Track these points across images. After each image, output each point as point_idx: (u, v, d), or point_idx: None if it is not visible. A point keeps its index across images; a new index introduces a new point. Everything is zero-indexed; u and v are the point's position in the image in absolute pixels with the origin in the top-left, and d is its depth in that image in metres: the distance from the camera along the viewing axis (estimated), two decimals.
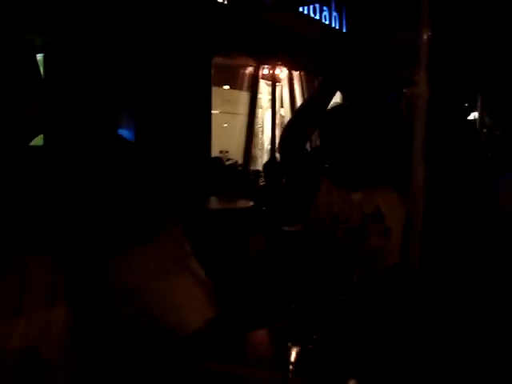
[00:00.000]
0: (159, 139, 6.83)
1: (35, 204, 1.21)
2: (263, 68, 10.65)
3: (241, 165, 9.10)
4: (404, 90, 1.69)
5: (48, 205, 1.22)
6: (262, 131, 11.14)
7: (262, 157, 10.76)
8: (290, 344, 1.30)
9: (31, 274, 1.18)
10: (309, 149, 2.39)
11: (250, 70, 10.57)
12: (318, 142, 2.21)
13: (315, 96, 2.12)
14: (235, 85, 10.47)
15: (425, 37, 1.60)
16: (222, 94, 9.99)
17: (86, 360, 1.44)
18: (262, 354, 1.56)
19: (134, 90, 6.72)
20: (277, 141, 11.04)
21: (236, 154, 9.70)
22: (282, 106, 11.22)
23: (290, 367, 1.31)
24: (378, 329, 1.62)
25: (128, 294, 1.44)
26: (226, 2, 8.62)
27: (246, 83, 10.58)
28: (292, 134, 2.09)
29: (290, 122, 2.23)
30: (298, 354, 1.29)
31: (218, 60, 8.91)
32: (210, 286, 1.54)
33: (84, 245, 1.26)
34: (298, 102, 10.98)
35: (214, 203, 5.73)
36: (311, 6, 10.66)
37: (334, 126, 2.10)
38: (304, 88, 11.06)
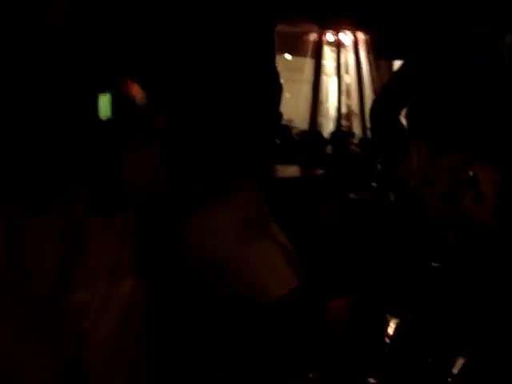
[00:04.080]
0: (222, 108, 6.75)
1: (102, 168, 1.11)
2: (327, 33, 10.42)
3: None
4: None
5: (113, 168, 1.12)
6: (327, 99, 10.94)
7: (328, 125, 10.58)
8: (388, 316, 1.18)
9: (91, 239, 1.08)
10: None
11: (313, 36, 10.35)
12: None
13: (412, 60, 2.03)
14: (299, 52, 10.29)
15: None
16: (285, 61, 9.83)
17: (161, 334, 1.36)
18: (350, 324, 1.46)
19: (196, 60, 6.64)
20: (343, 108, 10.85)
21: (301, 122, 9.56)
22: (347, 73, 10.97)
23: (388, 340, 1.19)
24: (479, 297, 1.49)
25: (205, 260, 1.36)
26: None
27: (309, 50, 10.39)
28: (387, 99, 2.01)
29: (385, 86, 2.19)
30: (397, 325, 1.17)
31: (280, 27, 8.74)
32: (293, 253, 1.43)
33: (156, 206, 1.16)
34: (364, 68, 10.70)
35: (281, 171, 5.63)
36: None
37: (437, 85, 2.00)
38: (370, 53, 10.75)
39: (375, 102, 2.14)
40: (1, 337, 1.02)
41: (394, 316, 1.19)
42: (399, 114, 2.03)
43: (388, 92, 2.10)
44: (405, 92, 2.02)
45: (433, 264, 1.56)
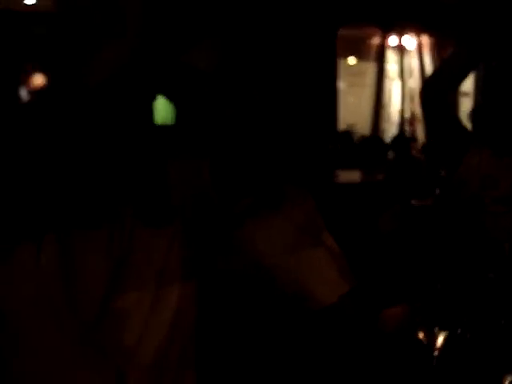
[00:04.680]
0: (281, 111, 6.76)
1: (151, 180, 1.13)
2: (390, 37, 10.28)
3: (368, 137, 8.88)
4: None
5: (162, 180, 1.14)
6: (390, 103, 10.79)
7: (390, 130, 10.43)
8: (437, 328, 1.16)
9: (139, 249, 1.09)
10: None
11: (376, 39, 10.24)
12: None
13: (455, 54, 2.09)
14: (361, 56, 10.20)
15: None
16: (348, 66, 9.76)
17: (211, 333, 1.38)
18: (399, 333, 1.44)
19: (259, 65, 6.67)
20: (406, 113, 10.68)
21: (363, 127, 9.46)
22: (410, 77, 10.79)
23: (436, 353, 1.17)
24: None
25: (256, 265, 1.38)
26: None
27: (372, 54, 10.28)
28: (436, 82, 2.10)
29: (435, 70, 2.34)
30: (446, 338, 1.15)
31: (342, 31, 8.68)
32: (344, 260, 1.43)
33: (204, 217, 1.17)
34: (429, 71, 10.50)
35: (342, 176, 5.60)
36: None
37: (499, 85, 2.01)
38: (435, 56, 10.54)
39: (425, 83, 2.27)
40: (53, 350, 1.05)
41: (444, 328, 1.17)
42: (447, 96, 2.10)
43: (437, 75, 2.19)
44: (452, 77, 2.11)
45: (488, 275, 1.52)
